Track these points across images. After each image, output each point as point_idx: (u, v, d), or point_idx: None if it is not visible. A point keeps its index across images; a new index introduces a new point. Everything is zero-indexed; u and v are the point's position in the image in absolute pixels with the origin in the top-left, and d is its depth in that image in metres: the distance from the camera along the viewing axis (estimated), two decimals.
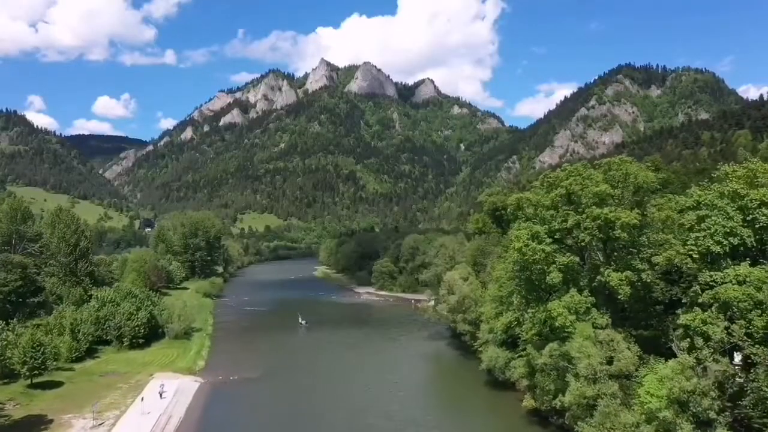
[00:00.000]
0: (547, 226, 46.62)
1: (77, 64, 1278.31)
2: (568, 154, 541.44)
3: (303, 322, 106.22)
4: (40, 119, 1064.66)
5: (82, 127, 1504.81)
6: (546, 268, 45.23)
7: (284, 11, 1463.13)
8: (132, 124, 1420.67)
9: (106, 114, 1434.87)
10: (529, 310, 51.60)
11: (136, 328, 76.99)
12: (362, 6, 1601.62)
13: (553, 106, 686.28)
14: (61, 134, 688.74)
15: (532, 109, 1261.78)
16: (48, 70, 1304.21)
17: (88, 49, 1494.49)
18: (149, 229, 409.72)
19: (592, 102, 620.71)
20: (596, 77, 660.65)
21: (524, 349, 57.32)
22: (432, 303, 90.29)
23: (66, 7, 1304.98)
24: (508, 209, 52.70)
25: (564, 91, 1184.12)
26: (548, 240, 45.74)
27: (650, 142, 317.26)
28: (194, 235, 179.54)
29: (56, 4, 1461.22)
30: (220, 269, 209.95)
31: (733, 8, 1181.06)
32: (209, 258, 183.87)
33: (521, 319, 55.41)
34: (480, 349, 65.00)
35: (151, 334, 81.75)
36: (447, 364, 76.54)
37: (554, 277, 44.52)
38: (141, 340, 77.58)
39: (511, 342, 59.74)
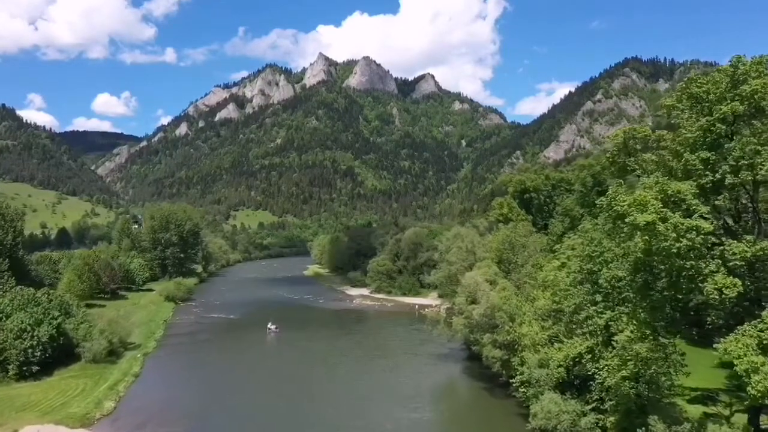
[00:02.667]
0: (694, 182, 24.36)
1: (77, 63, 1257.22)
2: (574, 149, 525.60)
3: (272, 327, 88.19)
4: (40, 117, 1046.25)
5: (83, 125, 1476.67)
6: (702, 266, 23.02)
7: (285, 9, 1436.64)
8: (132, 122, 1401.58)
9: (107, 112, 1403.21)
10: (623, 333, 29.67)
11: (29, 351, 54.76)
12: (364, 4, 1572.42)
13: (554, 104, 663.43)
14: (51, 129, 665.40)
15: (532, 107, 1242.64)
16: (48, 69, 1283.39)
17: (88, 47, 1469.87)
18: (136, 226, 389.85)
19: (599, 96, 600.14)
20: (602, 71, 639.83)
21: (601, 400, 35.31)
22: (442, 312, 67.94)
23: (66, 5, 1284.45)
24: (613, 149, 30.86)
25: (565, 89, 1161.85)
26: (701, 208, 23.47)
27: None
28: (165, 229, 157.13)
29: (56, 2, 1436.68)
30: (199, 268, 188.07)
31: (733, 8, 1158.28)
32: (183, 255, 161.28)
33: (598, 350, 33.47)
34: (522, 389, 42.75)
35: (60, 356, 59.68)
36: (467, 405, 53.89)
37: (724, 285, 22.25)
38: (36, 368, 55.24)
39: (577, 383, 37.78)
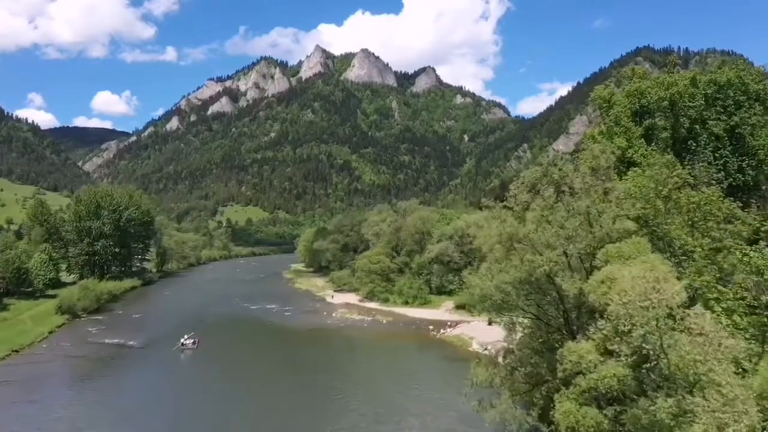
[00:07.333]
0: None
1: (77, 61, 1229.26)
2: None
3: (188, 341, 61.86)
4: (40, 116, 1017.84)
5: (84, 124, 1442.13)
6: None
7: (286, 7, 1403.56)
8: (133, 121, 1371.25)
9: (108, 110, 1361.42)
10: None
11: None
12: (367, 3, 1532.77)
13: (562, 96, 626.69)
14: (33, 122, 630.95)
15: (534, 107, 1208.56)
16: (48, 67, 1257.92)
17: (88, 45, 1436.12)
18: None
19: (611, 86, 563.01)
20: (612, 60, 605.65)
21: None
22: (500, 358, 31.04)
23: (66, 3, 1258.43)
24: None
25: (567, 89, 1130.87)
26: None
27: None
28: (95, 216, 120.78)
29: (55, 0, 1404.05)
30: (152, 266, 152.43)
31: (732, 6, 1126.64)
32: (119, 250, 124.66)
33: None
34: None
35: None
36: None
37: None
38: None
39: None
